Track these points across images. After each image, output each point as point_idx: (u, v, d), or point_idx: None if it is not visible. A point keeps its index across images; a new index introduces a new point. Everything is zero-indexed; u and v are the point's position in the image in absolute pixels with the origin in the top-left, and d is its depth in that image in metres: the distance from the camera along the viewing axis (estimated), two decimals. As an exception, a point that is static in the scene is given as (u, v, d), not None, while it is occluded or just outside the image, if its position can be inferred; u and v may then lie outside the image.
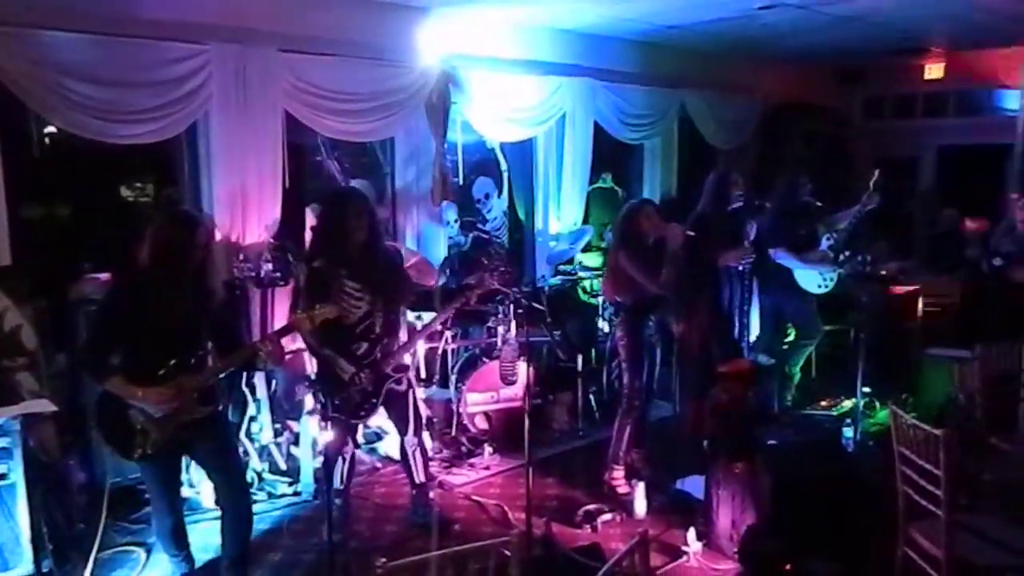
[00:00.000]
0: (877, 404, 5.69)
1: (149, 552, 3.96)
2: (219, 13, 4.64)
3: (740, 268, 5.11)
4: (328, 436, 3.76)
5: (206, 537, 3.90)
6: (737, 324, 5.27)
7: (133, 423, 3.09)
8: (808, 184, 5.73)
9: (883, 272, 6.96)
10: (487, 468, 5.00)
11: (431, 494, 4.39)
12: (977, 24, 6.25)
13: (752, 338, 5.68)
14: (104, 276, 4.50)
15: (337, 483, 4.00)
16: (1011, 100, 7.80)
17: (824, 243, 5.58)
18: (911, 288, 6.48)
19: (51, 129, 4.78)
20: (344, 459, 4.03)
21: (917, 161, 8.99)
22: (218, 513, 3.41)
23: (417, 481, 4.23)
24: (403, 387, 4.03)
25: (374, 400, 3.91)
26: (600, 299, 6.19)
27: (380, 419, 5.27)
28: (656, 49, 7.00)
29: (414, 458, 4.19)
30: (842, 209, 5.73)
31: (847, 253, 5.45)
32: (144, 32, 4.38)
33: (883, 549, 3.38)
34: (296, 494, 4.62)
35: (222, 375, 3.27)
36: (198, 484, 4.37)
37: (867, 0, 5.46)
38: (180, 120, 4.59)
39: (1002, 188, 7.74)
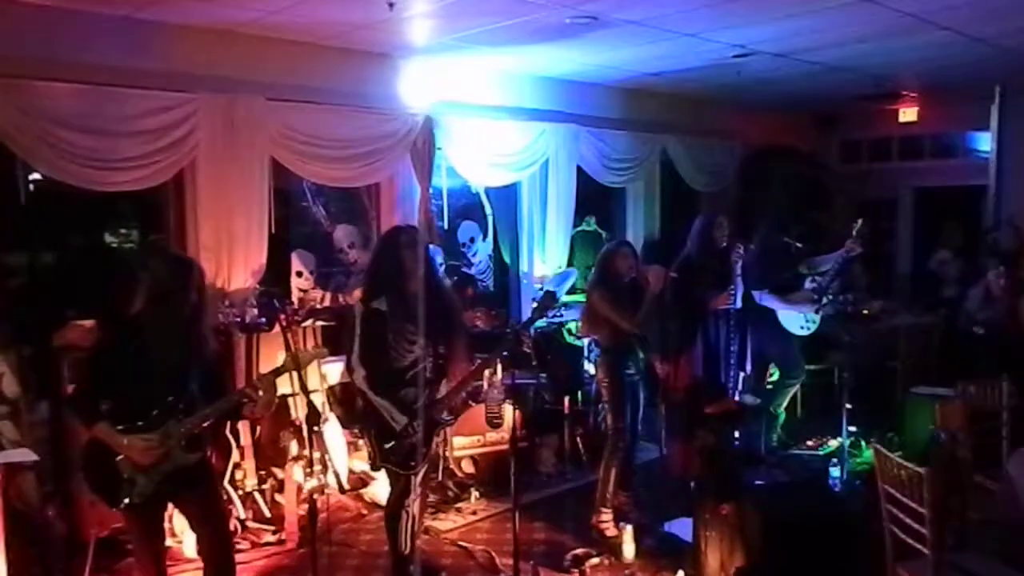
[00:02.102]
0: (863, 443, 5.70)
1: (130, 604, 3.88)
2: (206, 63, 4.71)
3: (726, 309, 5.16)
4: (315, 480, 3.69)
5: (189, 588, 3.84)
6: (723, 365, 5.30)
7: (120, 471, 3.05)
8: (791, 227, 5.83)
9: (865, 311, 7.06)
10: (474, 513, 4.96)
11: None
12: (944, 70, 6.44)
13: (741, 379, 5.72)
14: (88, 323, 4.48)
15: (404, 547, 3.81)
16: (984, 143, 7.99)
17: (807, 284, 5.65)
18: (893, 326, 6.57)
19: (36, 176, 4.80)
20: (408, 514, 3.80)
21: (895, 203, 9.16)
22: (200, 564, 3.36)
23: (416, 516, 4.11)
24: (440, 440, 3.96)
25: (424, 450, 3.71)
26: (585, 341, 6.21)
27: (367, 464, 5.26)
28: (637, 95, 7.14)
29: (415, 493, 4.01)
30: (823, 252, 5.82)
31: (830, 296, 5.52)
32: (132, 82, 4.44)
33: (871, 589, 3.37)
34: (280, 542, 4.56)
35: (208, 422, 3.23)
36: (180, 533, 4.30)
37: (840, 49, 5.63)
38: (167, 168, 4.62)
39: (978, 228, 7.90)
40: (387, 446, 3.68)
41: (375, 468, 3.72)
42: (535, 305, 4.08)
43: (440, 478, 5.21)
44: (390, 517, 3.89)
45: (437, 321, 3.68)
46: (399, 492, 3.83)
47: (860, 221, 5.46)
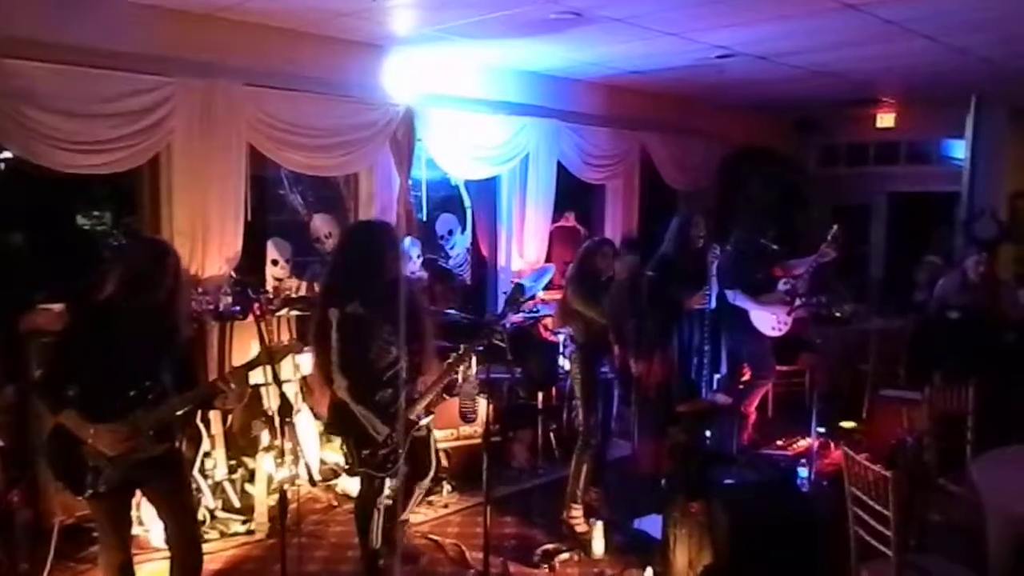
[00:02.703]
0: (832, 444, 5.78)
1: (94, 593, 3.84)
2: (184, 46, 4.64)
3: (700, 309, 5.19)
4: (286, 472, 3.66)
5: (155, 577, 3.80)
6: (696, 364, 5.34)
7: (85, 460, 2.99)
8: (768, 229, 5.88)
9: (838, 314, 7.14)
10: (445, 506, 4.96)
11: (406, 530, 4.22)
12: (923, 78, 6.53)
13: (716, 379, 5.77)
14: (57, 307, 4.41)
15: (375, 542, 3.82)
16: (958, 150, 8.10)
17: (780, 287, 5.70)
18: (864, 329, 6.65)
19: (6, 155, 4.71)
20: (379, 511, 3.81)
21: (870, 207, 9.27)
22: (167, 553, 3.32)
23: (402, 517, 4.08)
24: (422, 433, 3.86)
25: (401, 451, 3.67)
26: (561, 337, 6.23)
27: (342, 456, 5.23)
28: (619, 93, 7.15)
29: (414, 499, 4.02)
30: (799, 255, 5.88)
31: (803, 298, 5.58)
32: (108, 63, 4.36)
33: (836, 589, 3.43)
34: (250, 533, 4.53)
35: (179, 412, 3.19)
36: (147, 522, 4.26)
37: (821, 53, 5.67)
38: (142, 152, 4.55)
39: (951, 235, 8.01)
40: (365, 452, 3.64)
41: (352, 474, 3.65)
42: (506, 298, 4.07)
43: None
44: (360, 515, 3.87)
45: (408, 318, 3.59)
46: (372, 492, 3.81)
47: (836, 227, 5.52)
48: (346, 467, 3.80)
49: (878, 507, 3.03)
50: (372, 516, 3.82)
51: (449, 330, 5.12)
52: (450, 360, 3.91)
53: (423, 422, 3.84)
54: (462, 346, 3.95)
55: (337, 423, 3.76)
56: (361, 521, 3.85)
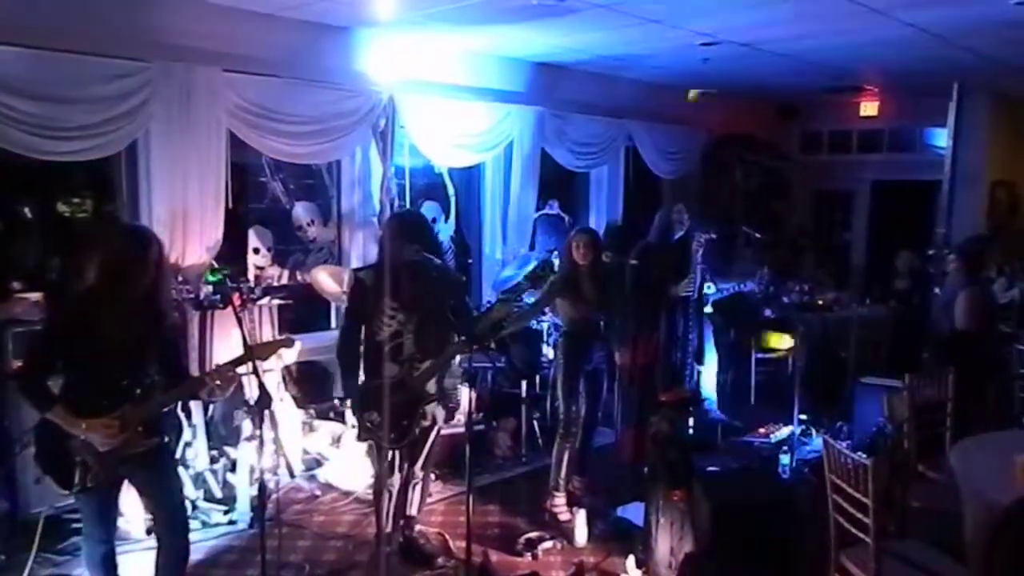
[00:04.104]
0: (813, 432, 5.82)
1: (75, 584, 3.81)
2: (163, 31, 4.57)
3: (684, 297, 5.20)
4: (267, 462, 3.65)
5: (135, 568, 3.76)
6: (679, 353, 5.36)
7: (74, 455, 2.93)
8: (750, 215, 5.89)
9: (820, 302, 7.19)
10: (429, 495, 4.94)
11: (416, 527, 4.19)
12: (906, 66, 6.54)
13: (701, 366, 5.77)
14: (35, 296, 4.36)
15: (385, 525, 3.89)
16: (940, 138, 8.15)
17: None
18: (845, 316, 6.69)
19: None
20: (390, 494, 3.89)
21: (852, 195, 9.31)
22: (148, 543, 3.30)
23: (409, 513, 4.10)
24: (428, 422, 3.90)
25: (405, 423, 3.79)
26: (545, 325, 6.23)
27: (325, 445, 5.22)
28: (604, 80, 7.13)
29: (413, 490, 4.07)
30: (779, 240, 5.88)
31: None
32: (84, 47, 4.28)
33: (816, 575, 3.45)
34: (232, 523, 4.51)
35: (168, 406, 3.13)
36: (128, 513, 4.22)
37: (806, 41, 5.67)
38: (120, 138, 4.49)
39: (931, 222, 8.07)
40: (372, 419, 3.75)
41: (361, 440, 3.90)
42: (491, 312, 4.03)
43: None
44: (374, 493, 4.04)
45: (419, 299, 3.75)
46: (380, 468, 3.92)
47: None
48: (356, 436, 4.00)
49: (857, 495, 3.05)
50: (382, 495, 3.92)
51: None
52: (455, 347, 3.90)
53: (428, 409, 3.87)
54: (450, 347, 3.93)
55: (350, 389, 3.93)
56: (375, 499, 4.01)
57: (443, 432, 5.22)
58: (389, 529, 3.93)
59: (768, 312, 6.77)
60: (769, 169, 8.76)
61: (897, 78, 7.32)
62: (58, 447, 2.94)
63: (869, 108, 8.54)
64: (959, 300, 4.61)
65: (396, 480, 3.93)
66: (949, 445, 4.10)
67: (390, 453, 3.88)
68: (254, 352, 3.10)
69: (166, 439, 3.25)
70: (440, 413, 3.99)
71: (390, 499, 3.93)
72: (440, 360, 3.86)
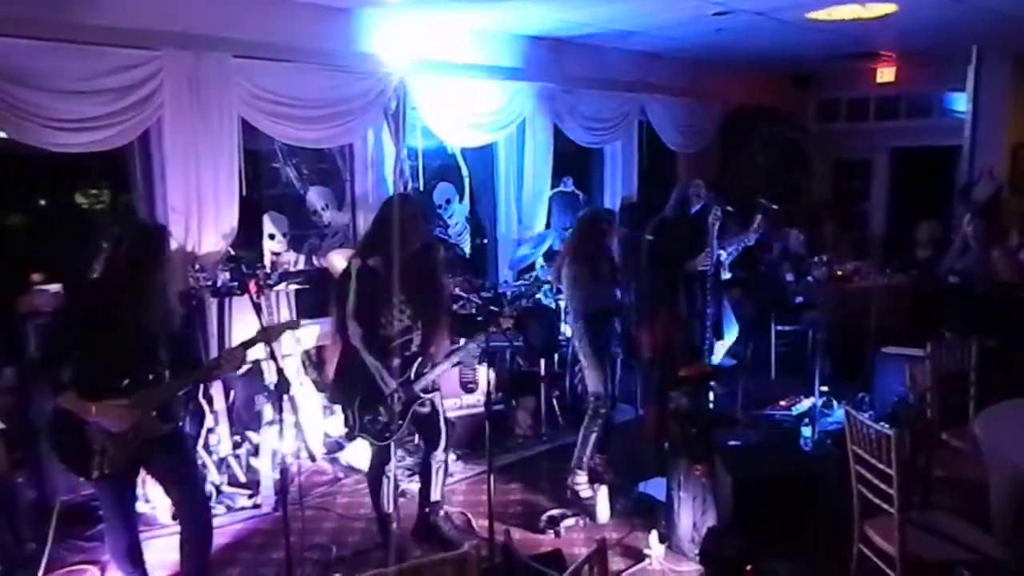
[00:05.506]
0: (835, 403, 5.78)
1: (103, 570, 3.86)
2: (171, 19, 4.56)
3: (702, 271, 5.14)
4: (288, 446, 3.68)
5: (163, 554, 3.82)
6: (698, 328, 5.31)
7: (91, 442, 3.00)
8: (768, 188, 5.80)
9: (839, 272, 7.10)
10: (451, 475, 4.96)
11: (442, 511, 4.19)
12: (923, 30, 6.41)
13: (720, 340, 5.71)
14: (55, 287, 4.39)
15: (387, 507, 3.91)
16: (959, 103, 8.00)
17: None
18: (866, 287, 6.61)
19: (0, 135, 4.65)
20: (388, 479, 3.89)
21: (871, 163, 9.18)
22: (174, 528, 3.35)
23: (433, 499, 4.11)
24: (427, 409, 3.90)
25: (400, 422, 3.76)
26: (563, 303, 6.21)
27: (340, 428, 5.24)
28: (615, 54, 7.04)
29: (436, 475, 4.08)
30: (797, 214, 5.80)
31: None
32: (94, 38, 4.29)
33: (839, 547, 3.43)
34: (256, 506, 4.55)
35: (182, 392, 3.21)
36: (154, 499, 4.29)
37: (820, 7, 5.56)
38: (132, 128, 4.49)
39: (951, 188, 7.94)
40: (367, 418, 3.72)
41: (351, 438, 3.75)
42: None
43: (416, 441, 5.15)
44: (370, 481, 4.04)
45: (425, 295, 3.75)
46: (378, 460, 3.92)
47: (759, 217, 5.21)
48: (346, 430, 3.88)
49: (880, 465, 3.02)
50: (380, 482, 3.94)
51: (457, 317, 5.10)
52: (453, 349, 3.93)
53: (425, 396, 3.85)
54: (462, 340, 3.98)
55: (343, 382, 3.84)
56: (372, 486, 4.03)
57: (463, 412, 5.31)
58: (390, 510, 3.90)
59: (798, 299, 6.71)
60: (786, 140, 8.63)
61: (914, 43, 7.17)
62: (75, 436, 3.01)
63: (886, 74, 8.40)
64: (997, 256, 4.49)
65: (392, 467, 3.90)
66: (973, 413, 4.06)
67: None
68: (263, 334, 3.18)
69: (181, 424, 3.31)
70: (439, 400, 3.99)
71: (388, 483, 3.91)
72: (439, 370, 3.84)
